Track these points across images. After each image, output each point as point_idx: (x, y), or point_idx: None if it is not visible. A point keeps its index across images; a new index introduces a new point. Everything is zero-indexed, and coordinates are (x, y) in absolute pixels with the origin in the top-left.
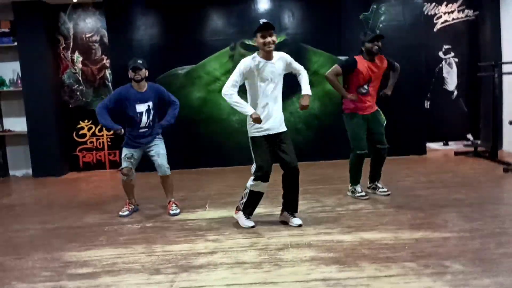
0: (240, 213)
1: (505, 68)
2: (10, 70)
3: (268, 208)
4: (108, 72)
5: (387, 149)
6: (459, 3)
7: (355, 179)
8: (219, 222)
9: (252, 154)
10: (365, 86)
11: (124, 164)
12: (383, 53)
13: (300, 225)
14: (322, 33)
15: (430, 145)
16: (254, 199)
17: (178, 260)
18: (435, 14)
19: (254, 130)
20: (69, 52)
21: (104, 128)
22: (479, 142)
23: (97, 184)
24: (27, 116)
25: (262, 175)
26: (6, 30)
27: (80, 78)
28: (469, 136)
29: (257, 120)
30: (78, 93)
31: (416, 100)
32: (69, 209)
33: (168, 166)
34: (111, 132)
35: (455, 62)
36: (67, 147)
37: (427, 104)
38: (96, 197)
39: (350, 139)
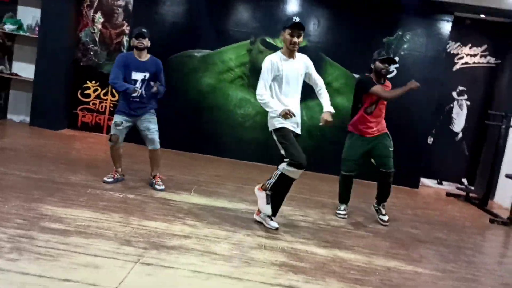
0: (263, 194)
1: None
2: (30, 16)
3: (252, 206)
4: (125, 39)
5: (392, 174)
6: (483, 48)
7: (341, 198)
8: (201, 209)
9: (280, 145)
10: (373, 107)
11: (112, 131)
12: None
13: (276, 229)
14: (342, 47)
15: (424, 181)
16: (284, 183)
17: (151, 236)
18: (458, 53)
19: (277, 122)
20: (92, 11)
21: (109, 93)
22: (472, 188)
23: (90, 145)
24: (37, 64)
25: (297, 164)
26: None
27: (97, 39)
28: (464, 180)
29: (286, 115)
30: (91, 53)
31: (420, 134)
32: (57, 164)
33: (158, 141)
34: (116, 98)
35: (467, 104)
36: (69, 103)
37: (430, 140)
38: (87, 158)
39: (342, 157)
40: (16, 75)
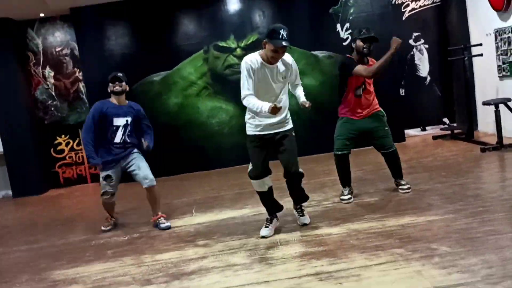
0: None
1: (474, 50)
2: None
3: (255, 207)
4: (81, 85)
5: (395, 151)
6: None
7: (341, 180)
8: (207, 226)
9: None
10: (361, 89)
11: (105, 188)
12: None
13: (305, 224)
14: (294, 29)
15: (409, 132)
16: (262, 199)
17: (168, 268)
18: (403, 2)
19: (248, 128)
20: (40, 67)
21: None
22: (455, 124)
23: (79, 199)
24: (2, 136)
25: (252, 175)
26: None
27: (53, 93)
28: (445, 120)
29: (275, 110)
30: (52, 109)
31: (391, 89)
32: (53, 227)
33: (152, 176)
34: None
35: (426, 48)
36: (45, 164)
37: (402, 92)
38: (80, 213)
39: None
40: None
